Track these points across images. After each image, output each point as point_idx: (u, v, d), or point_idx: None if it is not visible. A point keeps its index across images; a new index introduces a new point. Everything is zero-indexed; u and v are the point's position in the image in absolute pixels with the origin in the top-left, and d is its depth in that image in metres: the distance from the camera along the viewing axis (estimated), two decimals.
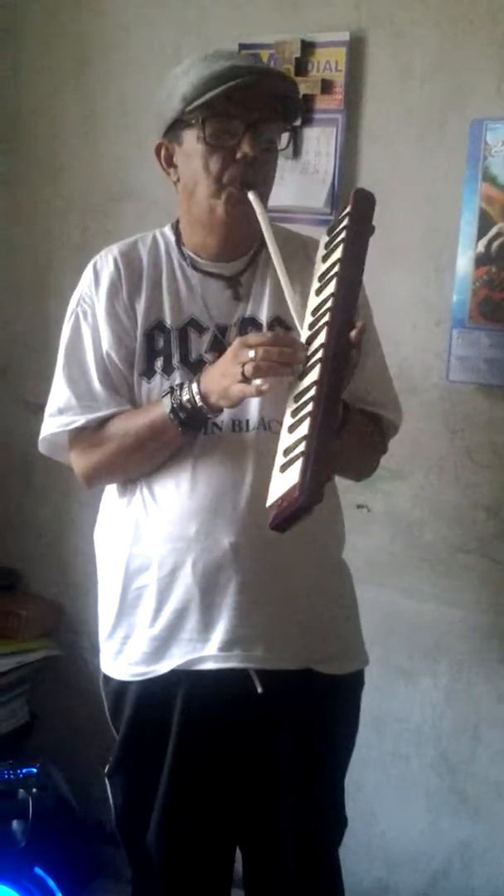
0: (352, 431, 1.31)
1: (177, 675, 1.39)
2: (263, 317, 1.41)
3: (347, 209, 1.33)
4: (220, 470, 1.37)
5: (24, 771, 2.01)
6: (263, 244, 1.36)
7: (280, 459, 1.18)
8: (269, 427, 1.36)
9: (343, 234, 1.30)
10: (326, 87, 1.82)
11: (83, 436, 1.42)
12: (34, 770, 2.02)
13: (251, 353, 1.22)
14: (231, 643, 1.37)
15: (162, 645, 1.39)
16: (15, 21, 2.19)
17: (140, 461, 1.40)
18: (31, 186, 2.24)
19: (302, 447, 1.13)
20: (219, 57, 1.35)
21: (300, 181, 1.86)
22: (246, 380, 1.23)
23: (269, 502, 1.16)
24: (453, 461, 1.85)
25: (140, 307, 1.41)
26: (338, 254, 1.29)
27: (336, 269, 1.27)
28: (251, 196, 1.34)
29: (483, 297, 1.76)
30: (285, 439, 1.20)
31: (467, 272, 1.76)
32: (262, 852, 1.51)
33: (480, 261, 1.75)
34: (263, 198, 1.37)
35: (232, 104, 1.32)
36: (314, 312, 1.27)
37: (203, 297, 1.42)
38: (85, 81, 2.14)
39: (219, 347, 1.39)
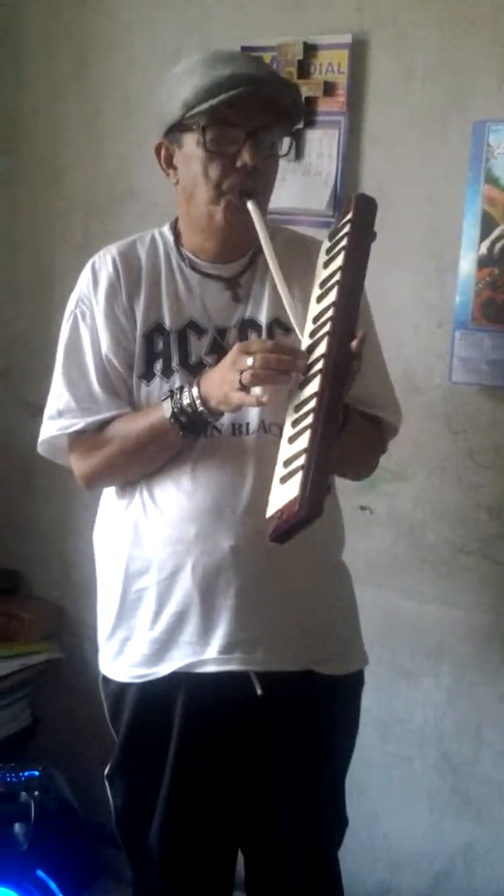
0: (351, 433, 1.31)
1: (177, 678, 1.39)
2: (263, 318, 1.41)
3: (349, 215, 1.32)
4: (220, 473, 1.37)
5: (26, 774, 2.01)
6: None
7: (280, 471, 1.18)
8: (269, 430, 1.36)
9: (344, 241, 1.29)
10: (329, 89, 1.82)
11: (82, 439, 1.42)
12: (36, 773, 2.01)
13: (249, 361, 1.21)
14: (231, 646, 1.37)
15: (162, 647, 1.39)
16: (16, 21, 2.19)
17: (141, 464, 1.40)
18: (33, 187, 2.24)
19: (302, 460, 1.13)
20: (220, 60, 1.33)
21: (302, 183, 1.86)
22: (245, 388, 1.22)
23: (268, 513, 1.16)
24: (455, 462, 1.85)
25: (139, 309, 1.40)
26: (339, 261, 1.28)
27: (337, 276, 1.26)
28: (250, 206, 1.33)
29: (486, 298, 1.76)
30: (285, 450, 1.19)
31: (470, 274, 1.76)
32: (263, 854, 1.51)
33: (483, 262, 1.75)
34: (263, 205, 1.37)
35: (233, 111, 1.31)
36: (315, 320, 1.27)
37: (202, 298, 1.41)
38: (87, 82, 2.14)
39: (218, 350, 1.39)
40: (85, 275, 1.45)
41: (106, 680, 1.48)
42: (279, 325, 1.39)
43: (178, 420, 1.32)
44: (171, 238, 1.46)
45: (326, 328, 1.22)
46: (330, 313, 1.23)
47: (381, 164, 1.84)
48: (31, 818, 1.92)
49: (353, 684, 1.49)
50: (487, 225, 1.74)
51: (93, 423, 1.39)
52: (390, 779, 1.99)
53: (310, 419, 1.16)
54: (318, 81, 1.82)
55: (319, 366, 1.20)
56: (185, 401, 1.31)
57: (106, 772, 1.49)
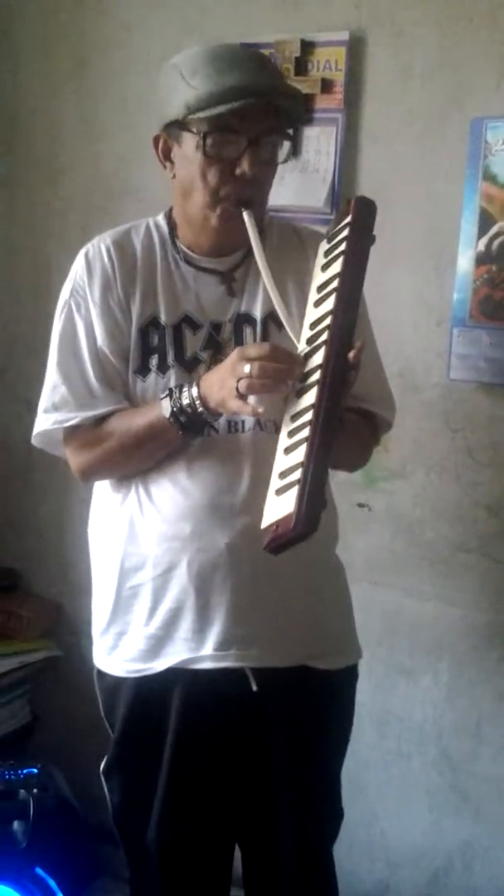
0: (346, 430, 1.31)
1: (173, 674, 1.39)
2: (258, 313, 1.40)
3: (348, 219, 1.31)
4: (216, 470, 1.37)
5: (25, 771, 2.01)
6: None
7: (276, 482, 1.17)
8: (265, 428, 1.36)
9: (343, 246, 1.28)
10: (326, 86, 1.83)
11: (78, 433, 1.41)
12: (35, 770, 2.01)
13: (247, 368, 1.20)
14: (227, 643, 1.37)
15: (158, 643, 1.40)
16: (14, 21, 2.19)
17: (139, 460, 1.40)
18: (31, 187, 2.24)
19: (298, 474, 1.13)
20: (226, 62, 1.28)
21: (300, 180, 1.86)
22: (242, 395, 1.22)
23: (263, 524, 1.16)
24: (454, 460, 1.85)
25: (134, 302, 1.39)
26: (337, 267, 1.27)
27: (335, 283, 1.25)
28: (245, 216, 1.32)
29: (484, 295, 1.76)
30: (281, 461, 1.19)
31: (468, 271, 1.76)
32: (260, 849, 1.51)
33: (481, 260, 1.75)
34: (259, 211, 1.36)
35: (236, 119, 1.28)
36: (312, 325, 1.26)
37: (197, 292, 1.40)
38: (85, 82, 2.14)
39: (213, 345, 1.39)
40: (79, 263, 1.43)
41: (101, 674, 1.48)
42: (273, 319, 1.39)
43: (177, 419, 1.32)
44: (166, 229, 1.44)
45: (324, 337, 1.21)
46: (328, 322, 1.22)
47: (378, 161, 1.84)
48: (30, 816, 1.92)
49: (347, 678, 1.50)
50: (485, 222, 1.74)
51: (89, 418, 1.39)
52: (389, 777, 1.99)
53: (306, 431, 1.15)
54: (316, 79, 1.82)
55: (317, 376, 1.19)
56: (185, 401, 1.31)
57: (102, 767, 1.49)
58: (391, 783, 1.99)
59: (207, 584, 1.36)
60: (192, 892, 1.50)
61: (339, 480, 1.55)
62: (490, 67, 1.72)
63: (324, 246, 1.35)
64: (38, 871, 1.90)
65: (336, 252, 1.29)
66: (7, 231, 2.29)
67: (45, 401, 1.42)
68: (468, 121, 1.73)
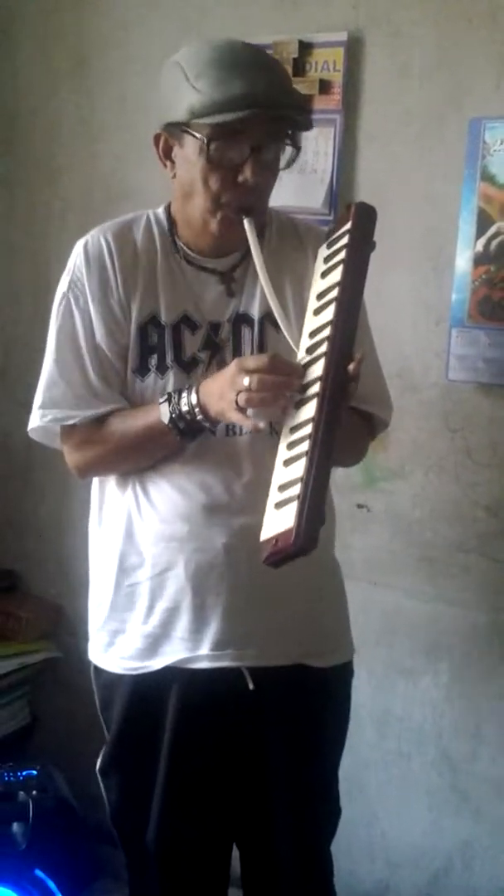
0: (343, 430, 1.31)
1: (170, 672, 1.39)
2: (256, 313, 1.40)
3: (348, 225, 1.29)
4: (214, 471, 1.36)
5: (24, 773, 2.01)
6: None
7: (275, 495, 1.17)
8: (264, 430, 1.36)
9: (343, 254, 1.26)
10: (324, 87, 1.83)
11: (76, 431, 1.40)
12: (34, 772, 2.02)
13: (246, 381, 1.19)
14: (224, 643, 1.37)
15: (155, 642, 1.40)
16: (12, 20, 2.20)
17: (136, 461, 1.40)
18: (30, 187, 2.24)
19: (298, 489, 1.13)
20: (232, 66, 1.24)
21: (298, 181, 1.86)
22: (242, 408, 1.21)
23: (263, 536, 1.16)
24: (453, 460, 1.85)
25: (135, 300, 1.37)
26: (337, 276, 1.25)
27: (335, 293, 1.24)
28: (246, 223, 1.30)
29: (482, 296, 1.76)
30: (280, 473, 1.18)
31: (466, 271, 1.76)
32: (258, 848, 1.51)
33: (479, 260, 1.75)
34: (259, 218, 1.35)
35: (240, 126, 1.26)
36: (312, 335, 1.25)
37: (196, 291, 1.39)
38: (83, 81, 2.14)
39: (211, 346, 1.38)
40: (77, 256, 1.40)
41: (97, 670, 1.48)
42: (271, 320, 1.38)
43: (175, 425, 1.31)
44: (165, 224, 1.42)
45: (324, 348, 1.20)
46: (328, 332, 1.21)
47: (376, 162, 1.84)
48: (30, 817, 1.92)
49: (343, 675, 1.50)
50: (483, 222, 1.74)
51: (88, 417, 1.38)
52: (389, 777, 1.99)
53: (306, 445, 1.15)
54: (314, 79, 1.82)
55: (316, 388, 1.18)
56: (184, 407, 1.30)
57: (98, 765, 1.49)
58: (391, 783, 1.99)
59: (204, 584, 1.36)
60: (191, 892, 1.50)
61: (338, 481, 1.55)
62: (488, 67, 1.72)
63: (323, 251, 1.34)
64: (38, 872, 1.90)
65: (336, 260, 1.28)
66: (6, 231, 2.29)
67: (41, 395, 1.40)
68: (466, 121, 1.73)
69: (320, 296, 1.28)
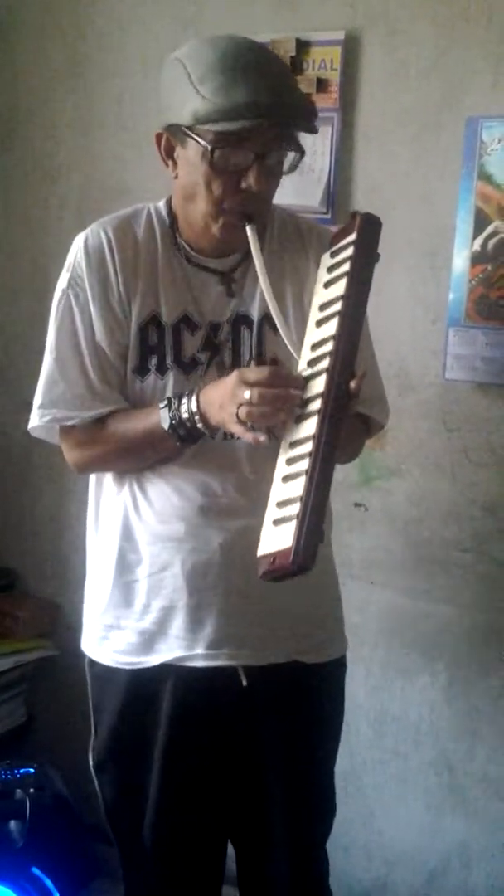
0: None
1: (165, 668, 1.39)
2: (255, 314, 1.39)
3: (352, 236, 1.27)
4: (212, 472, 1.36)
5: (21, 771, 2.01)
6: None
7: (273, 510, 1.17)
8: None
9: (347, 266, 1.24)
10: (322, 85, 1.82)
11: (76, 431, 1.39)
12: (31, 770, 2.02)
13: (247, 394, 1.18)
14: (219, 642, 1.37)
15: (150, 638, 1.40)
16: (10, 19, 2.19)
17: (136, 462, 1.39)
18: (28, 186, 2.24)
19: (297, 508, 1.12)
20: (239, 72, 1.21)
21: (295, 180, 1.83)
22: (242, 421, 1.20)
23: (260, 552, 1.16)
24: (450, 459, 1.85)
25: (135, 298, 1.36)
26: (340, 288, 1.24)
27: (338, 306, 1.22)
28: (249, 230, 1.29)
29: (479, 295, 1.76)
30: (279, 488, 1.18)
31: (463, 270, 1.76)
32: (254, 846, 1.51)
33: (476, 259, 1.75)
34: (261, 221, 1.34)
35: (245, 133, 1.24)
36: (314, 347, 1.24)
37: (196, 291, 1.38)
38: (81, 80, 2.14)
39: (210, 346, 1.37)
40: (77, 252, 1.37)
41: (92, 662, 1.48)
42: (270, 322, 1.37)
43: (175, 432, 1.31)
44: (167, 219, 1.40)
45: (326, 363, 1.19)
46: (330, 347, 1.20)
47: (374, 161, 1.84)
48: (27, 815, 1.93)
49: (336, 669, 1.50)
50: (481, 222, 1.74)
51: (88, 418, 1.37)
52: (386, 776, 1.99)
53: (305, 463, 1.14)
54: (311, 78, 1.82)
55: (317, 405, 1.17)
56: (184, 414, 1.29)
57: (92, 761, 1.48)
58: (388, 783, 1.99)
59: (201, 584, 1.37)
60: (185, 888, 1.50)
61: (335, 480, 1.53)
62: (486, 66, 1.72)
63: (326, 260, 1.31)
64: (35, 870, 1.91)
65: (339, 271, 1.26)
66: (4, 230, 2.29)
67: (41, 395, 1.39)
68: (464, 120, 1.73)
69: (323, 307, 1.26)
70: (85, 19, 2.11)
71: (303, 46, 1.83)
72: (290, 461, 1.18)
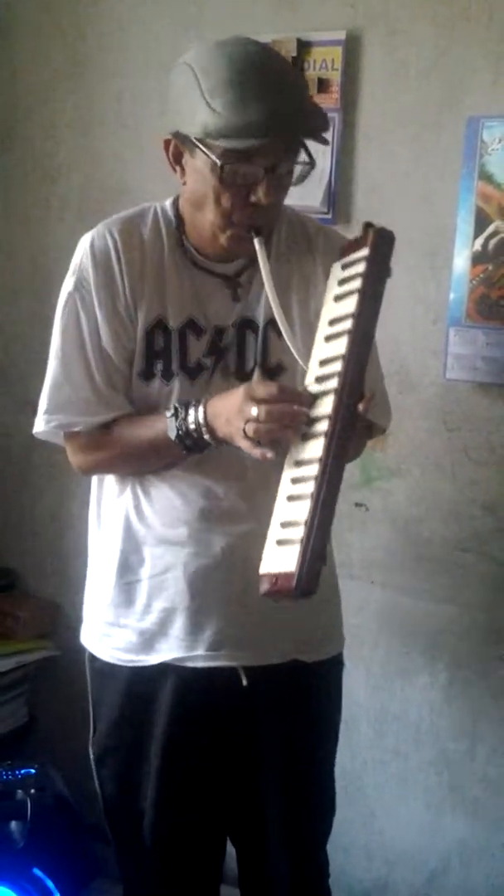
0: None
1: (165, 667, 1.39)
2: (260, 319, 1.38)
3: (365, 251, 1.25)
4: (216, 477, 1.36)
5: (22, 771, 2.01)
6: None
7: (276, 530, 1.16)
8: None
9: (359, 283, 1.23)
10: (323, 85, 1.82)
11: (81, 436, 1.39)
12: (32, 770, 2.02)
13: (254, 411, 1.18)
14: (219, 643, 1.37)
15: (150, 638, 1.40)
16: (10, 18, 2.19)
17: (141, 468, 1.39)
18: (28, 187, 2.24)
19: (301, 532, 1.11)
20: (250, 83, 1.19)
21: None
22: (249, 437, 1.20)
23: (262, 570, 1.15)
24: (451, 459, 1.85)
25: (141, 303, 1.35)
26: (351, 305, 1.22)
27: (349, 324, 1.21)
28: (256, 242, 1.27)
29: (480, 295, 1.76)
30: (283, 508, 1.17)
31: (464, 270, 1.76)
32: (254, 845, 1.51)
33: (477, 259, 1.75)
34: (269, 231, 1.33)
35: (255, 150, 1.21)
36: (322, 364, 1.22)
37: (201, 295, 1.37)
38: (81, 80, 2.13)
39: (216, 351, 1.37)
40: (83, 255, 1.36)
41: (92, 657, 1.48)
42: (275, 326, 1.36)
43: (182, 441, 1.30)
44: (173, 221, 1.38)
45: (335, 383, 1.18)
46: (339, 366, 1.19)
47: (374, 160, 1.84)
48: (28, 816, 1.93)
49: (334, 668, 1.50)
50: (481, 221, 1.74)
51: (94, 423, 1.36)
52: (386, 776, 1.99)
53: (311, 486, 1.13)
54: (312, 78, 1.82)
55: (324, 426, 1.16)
56: (191, 425, 1.28)
57: (93, 755, 1.48)
58: (389, 782, 1.99)
59: (202, 587, 1.37)
60: (184, 887, 1.50)
61: None
62: (487, 66, 1.72)
63: (337, 271, 1.29)
64: (36, 871, 1.90)
65: (351, 287, 1.24)
66: (4, 230, 2.29)
67: (46, 400, 1.38)
68: (464, 120, 1.73)
69: (333, 322, 1.24)
70: (85, 19, 2.11)
71: (304, 47, 1.83)
72: (295, 481, 1.17)
